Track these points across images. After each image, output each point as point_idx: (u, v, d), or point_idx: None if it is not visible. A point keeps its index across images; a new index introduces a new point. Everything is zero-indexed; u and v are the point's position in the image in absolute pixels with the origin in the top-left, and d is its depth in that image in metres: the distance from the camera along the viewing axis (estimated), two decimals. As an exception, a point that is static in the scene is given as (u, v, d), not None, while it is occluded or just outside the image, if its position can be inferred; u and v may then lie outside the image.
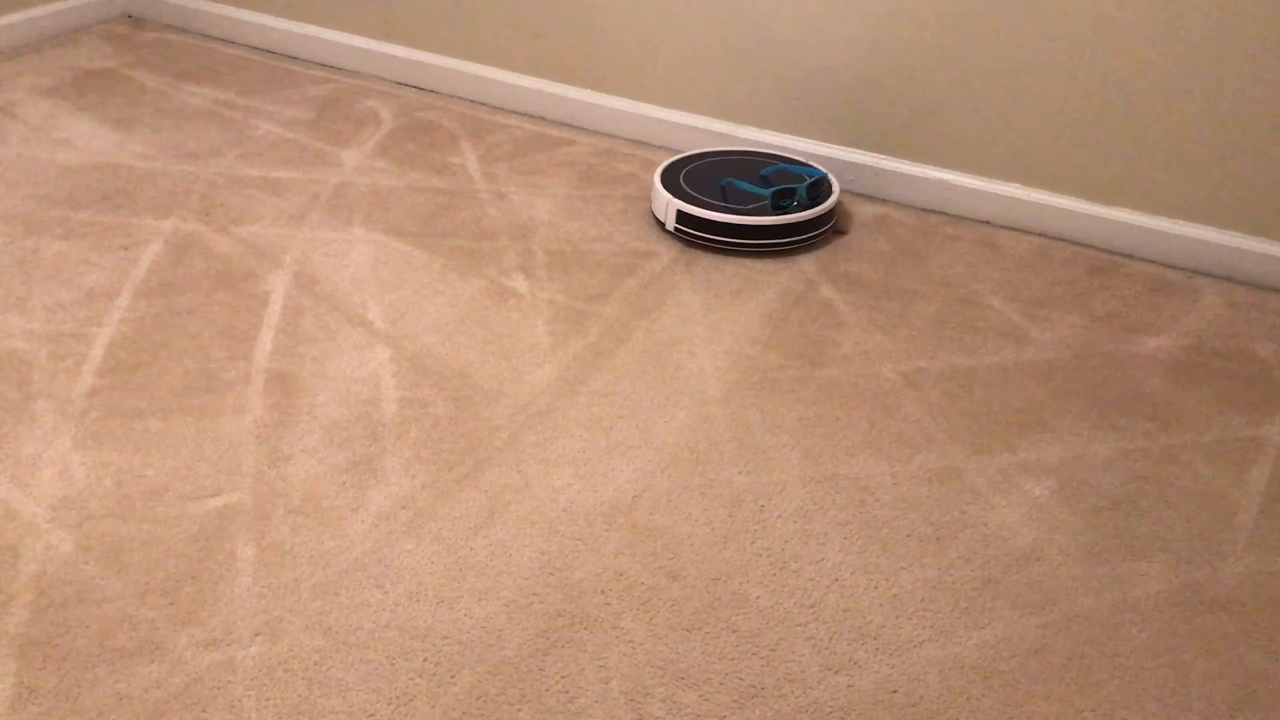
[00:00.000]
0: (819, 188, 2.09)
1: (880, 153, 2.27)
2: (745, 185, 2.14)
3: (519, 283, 1.97)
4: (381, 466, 1.56)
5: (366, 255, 2.03)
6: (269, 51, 2.85)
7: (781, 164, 2.23)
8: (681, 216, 2.08)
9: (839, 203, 2.17)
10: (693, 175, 2.19)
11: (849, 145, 2.29)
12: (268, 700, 1.23)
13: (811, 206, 2.07)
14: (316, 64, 2.79)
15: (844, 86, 2.25)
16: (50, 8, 2.87)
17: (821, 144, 2.31)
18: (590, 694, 1.26)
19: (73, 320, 1.83)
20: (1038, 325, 1.91)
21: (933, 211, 2.25)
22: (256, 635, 1.31)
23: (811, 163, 2.24)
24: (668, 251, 2.07)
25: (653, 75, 2.42)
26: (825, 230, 2.12)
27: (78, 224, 2.09)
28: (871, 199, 2.29)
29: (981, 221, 2.22)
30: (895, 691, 1.27)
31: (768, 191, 2.10)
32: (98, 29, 2.96)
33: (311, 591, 1.36)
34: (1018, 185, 2.18)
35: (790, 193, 2.07)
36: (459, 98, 2.64)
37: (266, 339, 1.80)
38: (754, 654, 1.31)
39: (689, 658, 1.30)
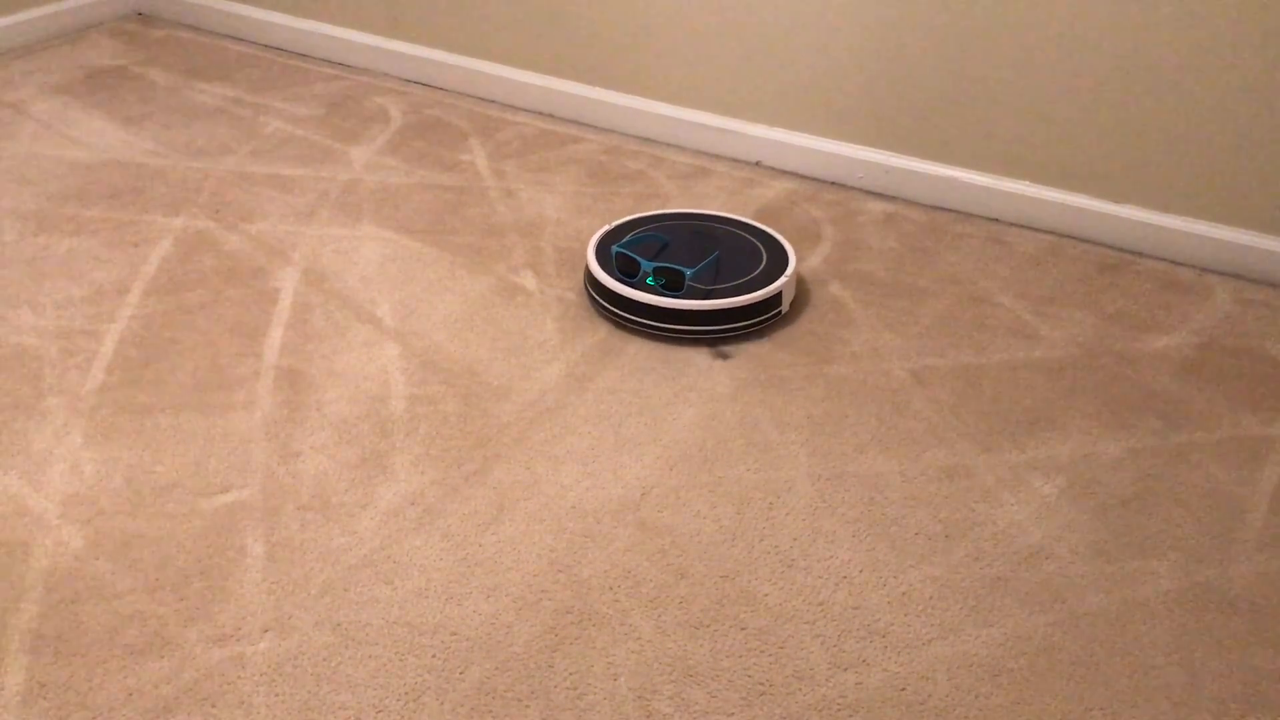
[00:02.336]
0: (673, 276, 1.80)
1: (889, 150, 2.26)
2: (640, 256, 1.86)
3: (528, 280, 1.97)
4: (390, 463, 1.56)
5: (375, 252, 2.03)
6: (278, 49, 2.86)
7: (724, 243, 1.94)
8: (591, 280, 1.89)
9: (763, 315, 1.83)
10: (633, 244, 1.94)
11: (858, 142, 2.29)
12: (277, 696, 1.24)
13: (673, 294, 1.80)
14: (326, 61, 2.80)
15: (853, 84, 2.24)
16: (61, 5, 2.88)
17: (831, 141, 2.31)
18: (598, 690, 1.26)
19: (83, 317, 1.83)
20: (1047, 323, 1.90)
21: (942, 209, 2.25)
22: (266, 631, 1.31)
23: (788, 248, 1.92)
24: (676, 249, 2.07)
25: (661, 73, 2.42)
26: (684, 334, 1.82)
27: (88, 221, 2.10)
28: (881, 196, 2.28)
29: (991, 219, 2.21)
30: (904, 689, 1.27)
31: (650, 266, 1.82)
32: (108, 26, 2.97)
33: (321, 588, 1.37)
34: (1028, 183, 2.17)
35: (635, 264, 1.83)
36: (468, 95, 2.65)
37: (276, 336, 1.81)
38: (762, 651, 1.31)
39: (697, 655, 1.30)
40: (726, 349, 1.79)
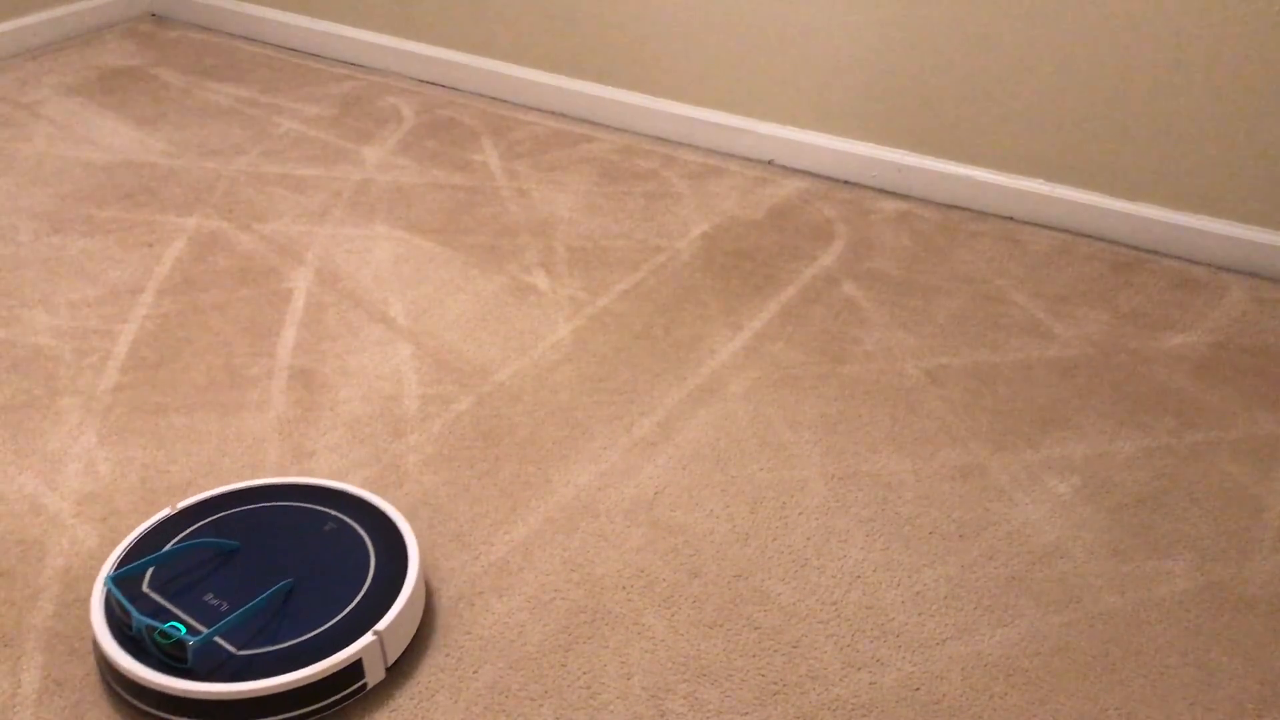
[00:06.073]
0: (172, 643, 1.12)
1: (903, 148, 2.26)
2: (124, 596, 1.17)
3: (540, 279, 1.97)
4: (403, 463, 1.56)
5: (388, 252, 2.04)
6: (291, 49, 2.86)
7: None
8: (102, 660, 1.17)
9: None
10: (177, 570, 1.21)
11: (871, 141, 2.28)
12: (291, 695, 1.24)
13: (178, 665, 1.12)
14: (338, 61, 2.80)
15: (866, 82, 2.24)
16: (75, 6, 2.89)
17: (844, 139, 2.30)
18: (612, 690, 1.25)
19: (97, 317, 1.84)
20: (1062, 322, 1.90)
21: (956, 207, 2.24)
22: (279, 630, 1.31)
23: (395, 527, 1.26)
24: (689, 248, 2.07)
25: (673, 71, 2.42)
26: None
27: (102, 221, 2.10)
28: (894, 194, 2.28)
29: (1005, 217, 2.21)
30: (918, 689, 1.27)
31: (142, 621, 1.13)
32: (122, 27, 2.98)
33: (334, 587, 1.37)
34: (1041, 181, 2.16)
35: (127, 615, 1.15)
36: (480, 95, 2.65)
37: (289, 335, 1.81)
38: (776, 651, 1.31)
39: (710, 654, 1.30)
40: None
